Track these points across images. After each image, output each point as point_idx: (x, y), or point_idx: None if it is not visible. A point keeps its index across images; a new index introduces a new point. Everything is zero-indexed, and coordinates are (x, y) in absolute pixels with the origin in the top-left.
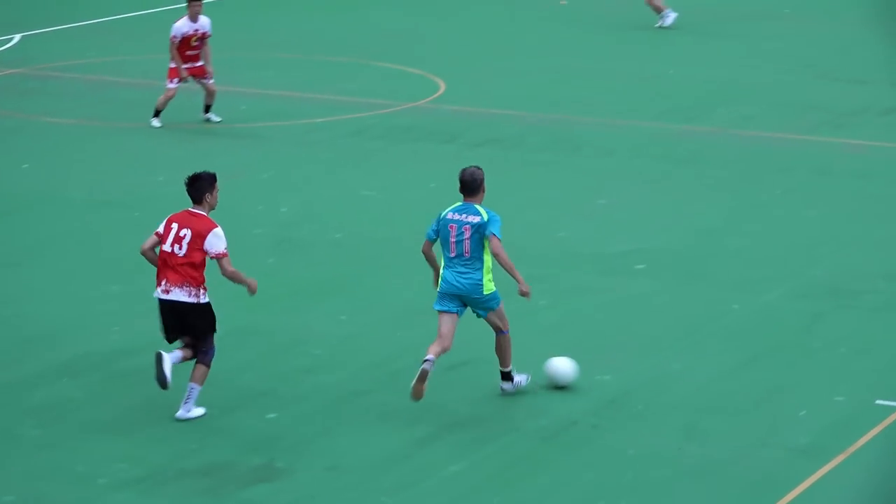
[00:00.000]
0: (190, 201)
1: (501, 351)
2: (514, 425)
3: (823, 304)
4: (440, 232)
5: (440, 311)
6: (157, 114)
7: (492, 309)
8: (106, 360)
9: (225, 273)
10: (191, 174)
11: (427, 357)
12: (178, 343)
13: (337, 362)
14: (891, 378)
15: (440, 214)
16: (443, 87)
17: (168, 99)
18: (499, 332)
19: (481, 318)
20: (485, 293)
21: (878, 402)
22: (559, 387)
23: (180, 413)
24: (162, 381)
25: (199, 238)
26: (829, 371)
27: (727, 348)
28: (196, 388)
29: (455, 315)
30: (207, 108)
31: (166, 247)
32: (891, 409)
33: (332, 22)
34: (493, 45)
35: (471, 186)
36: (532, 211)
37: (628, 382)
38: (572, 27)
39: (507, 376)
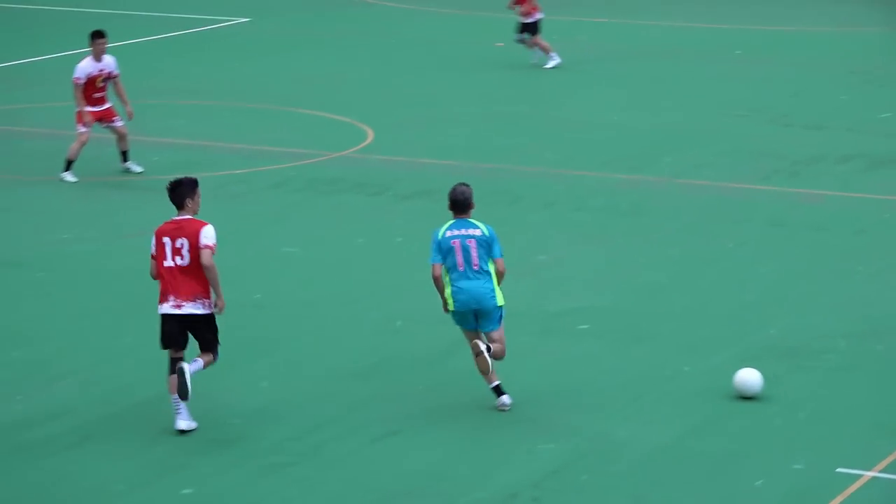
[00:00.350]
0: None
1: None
2: (448, 499)
3: (779, 366)
4: (443, 252)
5: (466, 331)
6: (68, 165)
7: (499, 323)
8: (6, 431)
9: (203, 261)
10: (172, 180)
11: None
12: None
13: (256, 433)
14: (853, 444)
15: (437, 236)
16: (371, 135)
17: (81, 145)
18: (492, 352)
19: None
20: (497, 303)
21: (840, 470)
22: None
23: (191, 367)
24: (184, 393)
25: (195, 241)
26: (787, 437)
27: (677, 413)
28: (199, 364)
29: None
30: (124, 156)
31: (168, 262)
32: (853, 478)
33: (250, 67)
34: (424, 90)
35: (463, 204)
36: None
37: (572, 451)
38: (508, 71)
39: (499, 389)
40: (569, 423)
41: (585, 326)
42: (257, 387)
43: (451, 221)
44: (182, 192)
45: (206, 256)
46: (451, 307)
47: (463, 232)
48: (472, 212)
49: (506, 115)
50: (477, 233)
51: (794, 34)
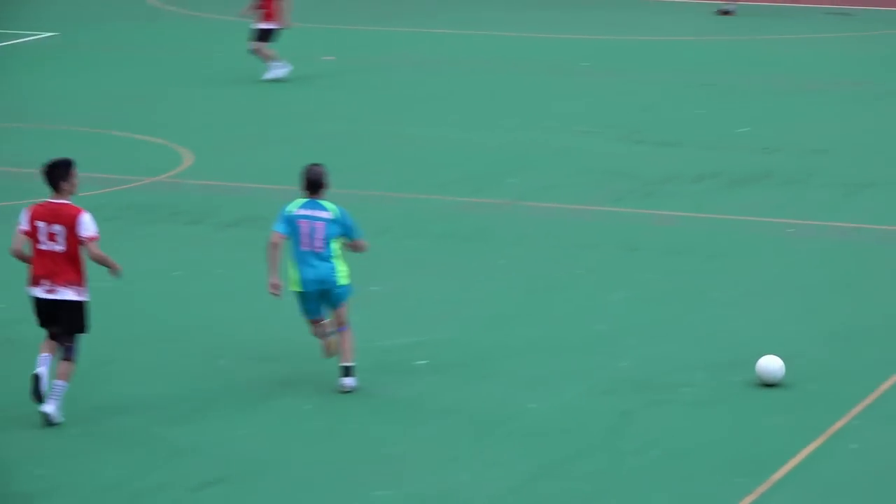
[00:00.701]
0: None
1: (346, 344)
2: None
3: (633, 401)
4: (289, 229)
5: (310, 320)
6: None
7: (343, 301)
8: None
9: (92, 255)
10: (47, 161)
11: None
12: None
13: (70, 481)
14: (711, 483)
15: (286, 212)
16: (189, 158)
17: None
18: (341, 327)
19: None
20: (341, 283)
21: None
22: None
23: (51, 410)
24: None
25: (71, 227)
26: (642, 477)
27: (524, 454)
28: (63, 385)
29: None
30: None
31: (43, 246)
32: None
33: (56, 85)
34: (246, 109)
35: (315, 184)
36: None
37: (410, 499)
38: (330, 89)
39: (350, 371)
40: (406, 469)
41: (424, 362)
42: (65, 431)
43: (303, 201)
44: (56, 173)
45: (92, 252)
46: (296, 287)
47: (312, 213)
48: (326, 192)
49: (332, 133)
50: (326, 215)
51: (646, 44)
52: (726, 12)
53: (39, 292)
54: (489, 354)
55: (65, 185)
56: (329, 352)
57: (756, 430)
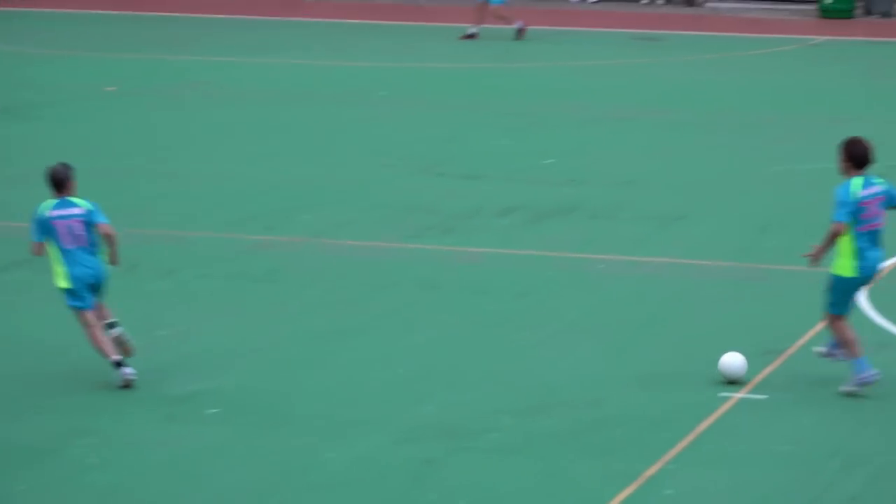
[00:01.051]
0: None
1: (122, 344)
2: None
3: (436, 449)
4: (47, 232)
5: (81, 311)
6: None
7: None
8: None
9: None
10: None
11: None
12: None
13: None
14: None
15: (39, 216)
16: None
17: None
18: (112, 325)
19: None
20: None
21: None
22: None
23: None
24: None
25: None
26: None
27: None
28: None
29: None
30: None
31: None
32: None
33: None
34: (27, 142)
35: (63, 183)
36: None
37: None
38: (120, 119)
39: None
40: None
41: (215, 410)
42: None
43: (54, 201)
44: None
45: None
46: (66, 284)
47: (65, 212)
48: (75, 187)
49: (118, 170)
50: (79, 211)
51: (446, 71)
52: (470, 36)
53: None
54: (284, 402)
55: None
56: (124, 348)
57: (566, 478)
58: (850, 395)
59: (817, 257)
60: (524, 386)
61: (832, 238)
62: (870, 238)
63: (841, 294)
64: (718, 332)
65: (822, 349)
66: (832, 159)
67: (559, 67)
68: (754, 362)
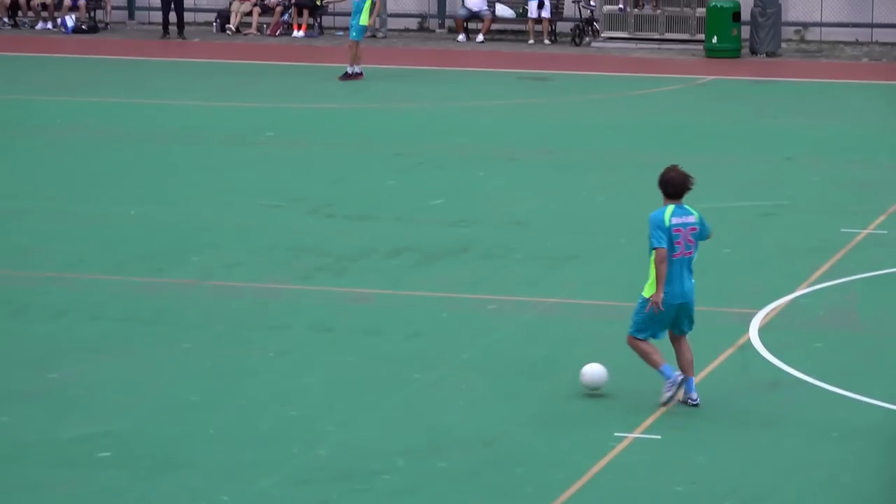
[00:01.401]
0: None
1: None
2: None
3: (330, 490)
4: None
5: None
6: None
7: None
8: None
9: None
10: None
11: None
12: None
13: None
14: None
15: None
16: None
17: None
18: None
19: None
20: None
21: None
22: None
23: None
24: None
25: None
26: None
27: None
28: None
29: None
30: None
31: None
32: None
33: None
34: None
35: None
36: None
37: None
38: (7, 154)
39: None
40: None
41: (107, 454)
42: None
43: None
44: None
45: None
46: None
47: None
48: None
49: (4, 212)
50: None
51: (332, 112)
52: (354, 75)
53: None
54: (177, 444)
55: None
56: None
57: None
58: (666, 404)
59: (659, 298)
60: (418, 426)
61: (661, 263)
62: (680, 266)
63: (647, 317)
64: (610, 371)
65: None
66: (720, 198)
67: (446, 107)
68: (647, 402)
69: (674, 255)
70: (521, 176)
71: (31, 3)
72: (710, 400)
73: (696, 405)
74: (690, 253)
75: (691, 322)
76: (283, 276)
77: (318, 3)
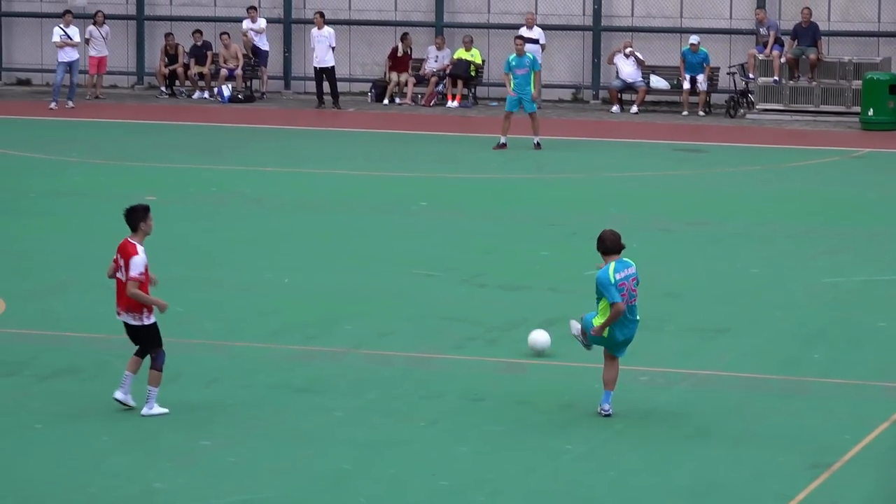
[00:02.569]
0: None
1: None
2: None
3: None
4: None
5: None
6: None
7: None
8: None
9: (128, 293)
10: (127, 206)
11: None
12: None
13: None
14: None
15: None
16: (2, 306)
17: None
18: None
19: None
20: None
21: None
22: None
23: (144, 411)
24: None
25: (126, 265)
26: None
27: None
28: (153, 390)
29: None
30: None
31: (119, 274)
32: None
33: None
34: (62, 254)
35: None
36: None
37: None
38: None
39: None
40: None
41: None
42: None
43: None
44: (135, 216)
45: (128, 289)
46: None
47: None
48: None
49: (159, 279)
50: None
51: (486, 182)
52: (502, 146)
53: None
54: None
55: (142, 226)
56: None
57: None
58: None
59: (600, 332)
60: (568, 499)
61: (616, 316)
62: (628, 310)
63: (595, 339)
64: (764, 445)
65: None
66: (875, 272)
67: (600, 178)
68: (801, 476)
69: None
70: (675, 247)
71: (189, 72)
72: (863, 475)
73: (608, 416)
74: (633, 301)
75: (625, 350)
76: (434, 345)
77: (473, 73)
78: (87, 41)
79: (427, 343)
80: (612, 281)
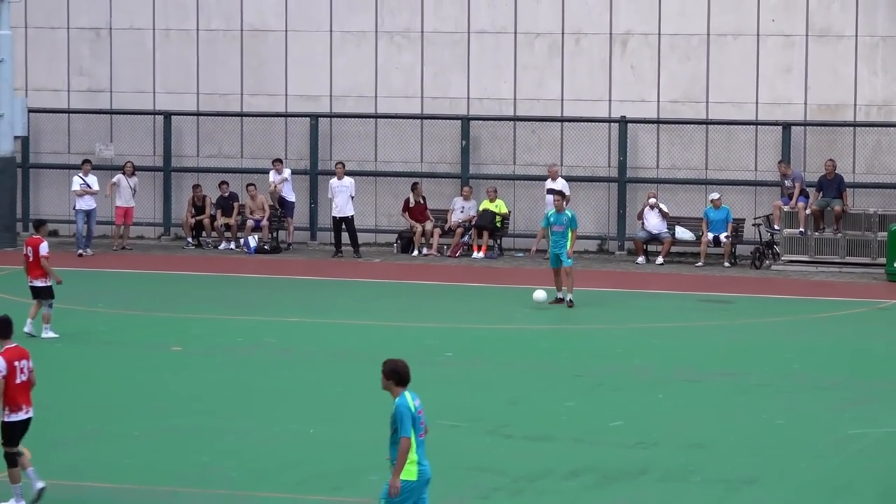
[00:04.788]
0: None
1: None
2: None
3: None
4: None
5: None
6: None
7: None
8: None
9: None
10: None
11: None
12: None
13: None
14: None
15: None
16: (27, 455)
17: None
18: None
19: None
20: None
21: None
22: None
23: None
24: None
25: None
26: None
27: None
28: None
29: None
30: None
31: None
32: None
33: None
34: (87, 404)
35: None
36: None
37: None
38: (182, 377)
39: None
40: None
41: None
42: None
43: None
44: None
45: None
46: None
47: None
48: None
49: (184, 429)
50: None
51: (511, 333)
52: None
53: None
54: None
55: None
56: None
57: None
58: None
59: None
60: None
61: (407, 452)
62: (424, 444)
63: (405, 498)
64: None
65: None
66: None
67: (625, 329)
68: None
69: (420, 435)
70: (701, 398)
71: (215, 224)
72: None
73: None
74: (426, 432)
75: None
76: (460, 496)
77: (498, 224)
78: (112, 185)
79: (452, 494)
80: (413, 409)
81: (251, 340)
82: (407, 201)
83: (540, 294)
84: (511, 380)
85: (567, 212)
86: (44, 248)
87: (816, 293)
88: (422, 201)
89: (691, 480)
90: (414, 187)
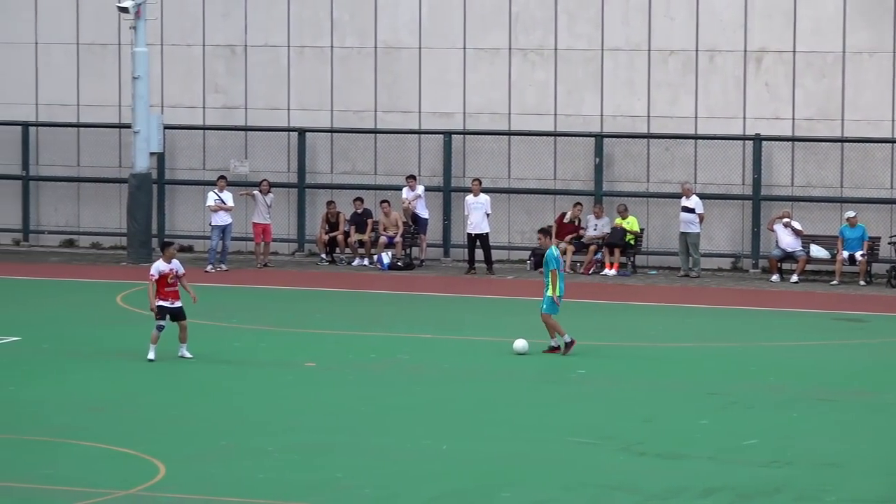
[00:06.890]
0: None
1: None
2: None
3: None
4: None
5: None
6: None
7: None
8: None
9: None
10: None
11: None
12: None
13: None
14: None
15: None
16: (162, 470)
17: None
18: None
19: None
20: None
21: None
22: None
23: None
24: None
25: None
26: None
27: None
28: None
29: None
30: None
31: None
32: None
33: (23, 392)
34: (222, 417)
35: None
36: None
37: None
38: (306, 398)
39: None
40: None
41: None
42: None
43: None
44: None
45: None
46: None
47: None
48: None
49: (317, 445)
50: None
51: (645, 349)
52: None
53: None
54: None
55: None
56: None
57: None
58: None
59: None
60: None
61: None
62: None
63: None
64: None
65: None
66: None
67: (759, 347)
68: None
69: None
70: (835, 417)
71: (349, 240)
72: None
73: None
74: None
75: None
76: None
77: (632, 242)
78: (248, 194)
79: None
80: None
81: (384, 356)
82: (562, 216)
83: (520, 343)
84: (644, 397)
85: (552, 248)
86: (153, 268)
87: None
88: (577, 222)
89: (826, 500)
90: (576, 205)
